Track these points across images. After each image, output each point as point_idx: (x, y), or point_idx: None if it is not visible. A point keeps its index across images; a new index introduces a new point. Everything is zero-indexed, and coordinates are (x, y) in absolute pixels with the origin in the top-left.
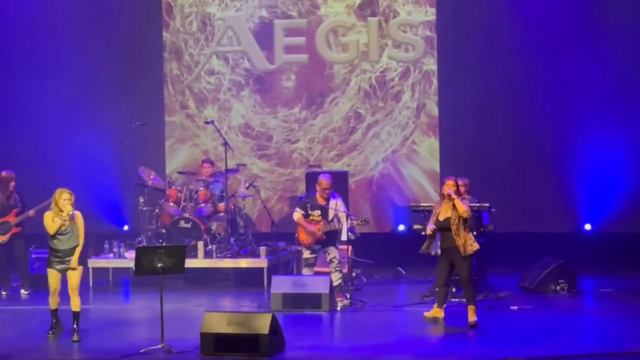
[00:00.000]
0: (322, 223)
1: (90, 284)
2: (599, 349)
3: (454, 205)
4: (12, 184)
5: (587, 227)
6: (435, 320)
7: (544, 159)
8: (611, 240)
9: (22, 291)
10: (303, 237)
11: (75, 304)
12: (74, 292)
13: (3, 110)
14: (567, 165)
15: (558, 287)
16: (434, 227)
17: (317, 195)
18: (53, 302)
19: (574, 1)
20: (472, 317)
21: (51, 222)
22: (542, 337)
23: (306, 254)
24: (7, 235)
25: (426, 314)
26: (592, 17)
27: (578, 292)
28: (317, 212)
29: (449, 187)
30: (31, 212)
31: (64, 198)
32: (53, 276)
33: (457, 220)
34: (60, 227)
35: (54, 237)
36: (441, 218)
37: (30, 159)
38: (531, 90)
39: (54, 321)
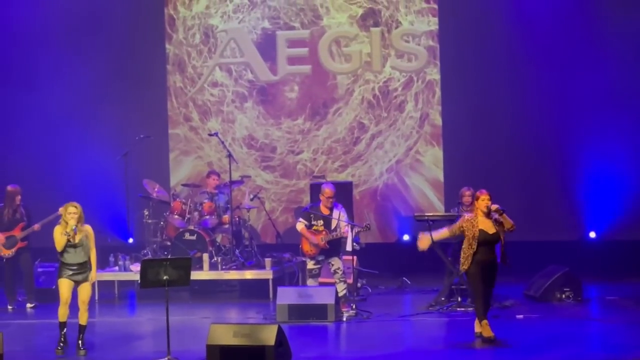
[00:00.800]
0: (324, 233)
1: (96, 297)
2: (605, 357)
3: (496, 220)
4: (18, 197)
5: (592, 234)
6: (489, 339)
7: (548, 167)
8: (616, 248)
9: (28, 305)
10: (307, 247)
11: (84, 318)
12: (84, 306)
13: (7, 123)
14: (571, 173)
15: (563, 296)
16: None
17: (321, 205)
18: (63, 313)
19: (577, 10)
20: (489, 332)
21: (59, 236)
22: (548, 345)
23: (310, 264)
24: (13, 250)
25: (477, 329)
26: (595, 25)
27: (584, 300)
28: (320, 222)
29: (487, 201)
30: (37, 226)
31: (69, 212)
32: (64, 285)
33: (503, 235)
34: (67, 241)
35: (62, 251)
36: (490, 232)
37: (35, 172)
38: (534, 98)
39: (62, 336)
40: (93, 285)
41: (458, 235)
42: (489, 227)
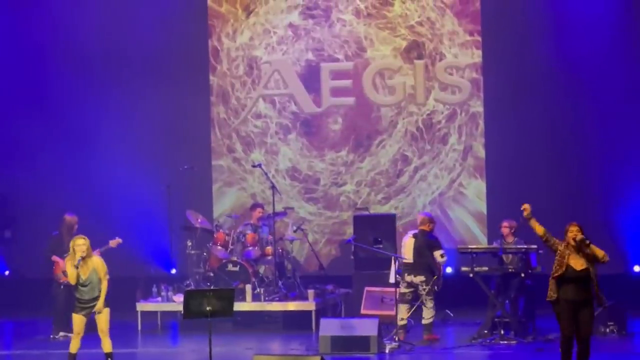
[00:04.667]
0: None
1: (139, 327)
2: None
3: (585, 253)
4: (76, 227)
5: (637, 268)
6: None
7: (592, 200)
8: None
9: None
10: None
11: (107, 346)
12: (104, 334)
13: (52, 153)
14: (616, 205)
15: (607, 329)
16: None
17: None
18: (74, 345)
19: (621, 38)
20: None
21: (70, 268)
22: None
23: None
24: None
25: None
26: None
27: (628, 334)
28: None
29: (574, 233)
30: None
31: (77, 244)
32: (77, 321)
33: (595, 270)
34: (78, 276)
35: (77, 287)
36: (578, 268)
37: (81, 203)
38: (578, 129)
39: None
40: (135, 315)
41: (545, 242)
42: (578, 263)
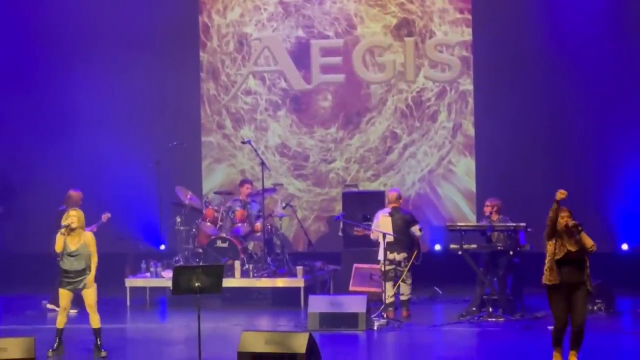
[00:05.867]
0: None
1: (128, 303)
2: None
3: (576, 239)
4: (80, 202)
5: (624, 247)
6: None
7: (580, 178)
8: None
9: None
10: None
11: (95, 321)
12: (92, 310)
13: (41, 134)
14: (604, 184)
15: (595, 308)
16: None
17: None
18: (61, 320)
19: (612, 19)
20: None
21: (58, 239)
22: (580, 357)
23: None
24: None
25: None
26: (631, 34)
27: (615, 312)
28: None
29: (565, 219)
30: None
31: (69, 214)
32: (63, 296)
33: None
34: (65, 245)
35: (64, 257)
36: (573, 249)
37: (70, 181)
38: (567, 109)
39: (57, 340)
40: (124, 291)
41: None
42: (573, 247)
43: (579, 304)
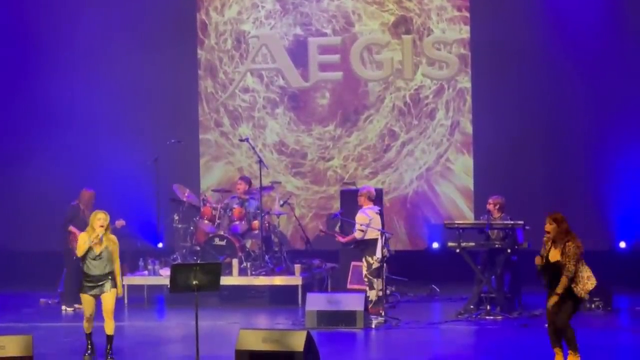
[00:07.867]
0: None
1: (125, 301)
2: None
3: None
4: (93, 201)
5: (622, 244)
6: None
7: (578, 176)
8: None
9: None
10: None
11: (110, 328)
12: (109, 316)
13: (37, 131)
14: (602, 182)
15: (593, 305)
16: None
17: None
18: (88, 327)
19: (611, 17)
20: None
21: (83, 243)
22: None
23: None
24: None
25: None
26: (631, 33)
27: (613, 310)
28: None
29: (547, 225)
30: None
31: (97, 218)
32: (87, 302)
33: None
34: (88, 250)
35: (86, 261)
36: (551, 259)
37: (67, 178)
38: (566, 107)
39: (89, 344)
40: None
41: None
42: (552, 254)
43: (553, 311)
